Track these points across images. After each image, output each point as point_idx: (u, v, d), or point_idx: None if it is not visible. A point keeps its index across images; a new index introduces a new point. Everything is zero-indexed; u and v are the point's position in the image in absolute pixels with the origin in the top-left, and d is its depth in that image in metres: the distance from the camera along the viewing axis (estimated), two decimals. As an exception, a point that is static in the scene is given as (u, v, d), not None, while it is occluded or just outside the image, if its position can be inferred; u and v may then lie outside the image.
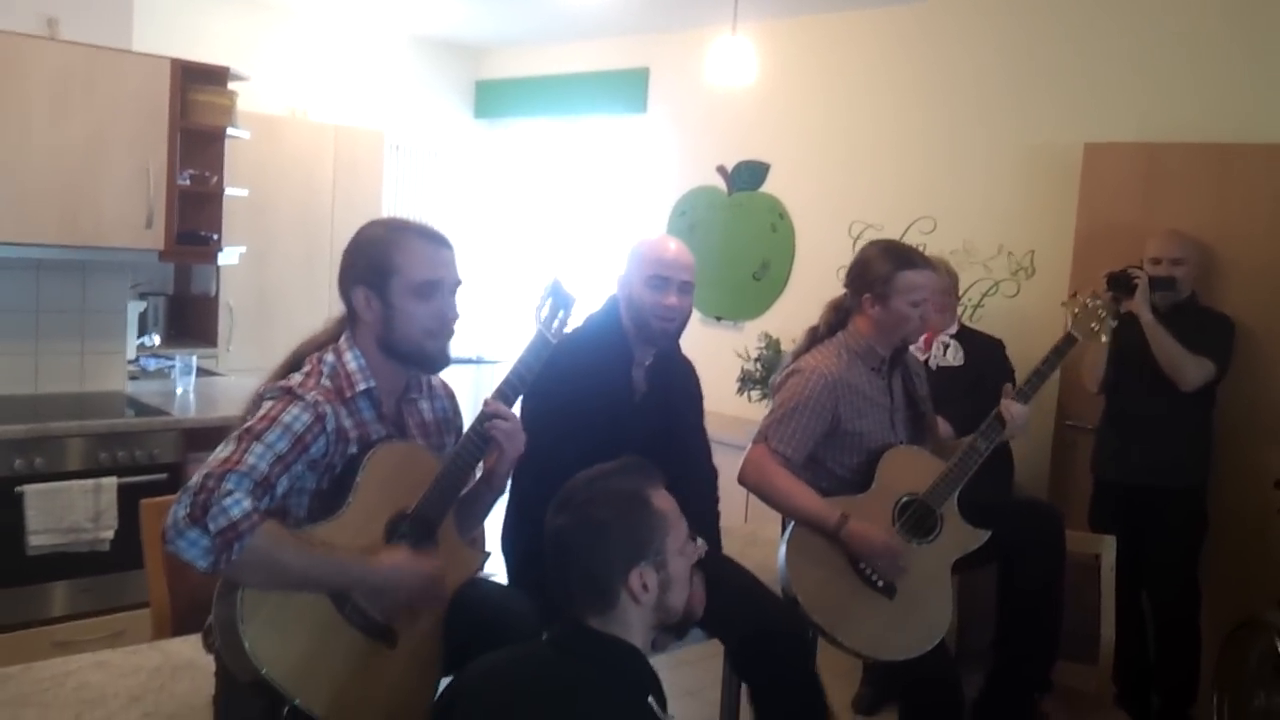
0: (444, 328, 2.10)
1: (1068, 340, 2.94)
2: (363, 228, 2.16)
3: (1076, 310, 2.96)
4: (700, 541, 1.84)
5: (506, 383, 2.17)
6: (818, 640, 2.90)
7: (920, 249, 3.22)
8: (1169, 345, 3.71)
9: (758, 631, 2.59)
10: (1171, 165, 4.10)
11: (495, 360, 6.96)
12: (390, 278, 2.06)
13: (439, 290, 2.08)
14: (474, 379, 6.78)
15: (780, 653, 2.60)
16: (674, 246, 2.76)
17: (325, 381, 2.03)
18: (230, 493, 1.81)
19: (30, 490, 3.68)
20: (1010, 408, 2.86)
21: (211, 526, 1.78)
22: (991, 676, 3.00)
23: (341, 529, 1.98)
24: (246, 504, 1.81)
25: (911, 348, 3.15)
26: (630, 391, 2.76)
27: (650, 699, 1.71)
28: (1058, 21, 4.71)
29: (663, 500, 1.77)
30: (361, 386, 2.07)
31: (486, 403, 2.14)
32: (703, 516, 2.82)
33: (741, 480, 2.89)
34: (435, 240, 2.11)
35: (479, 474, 2.23)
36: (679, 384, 2.90)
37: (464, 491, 2.17)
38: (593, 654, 1.70)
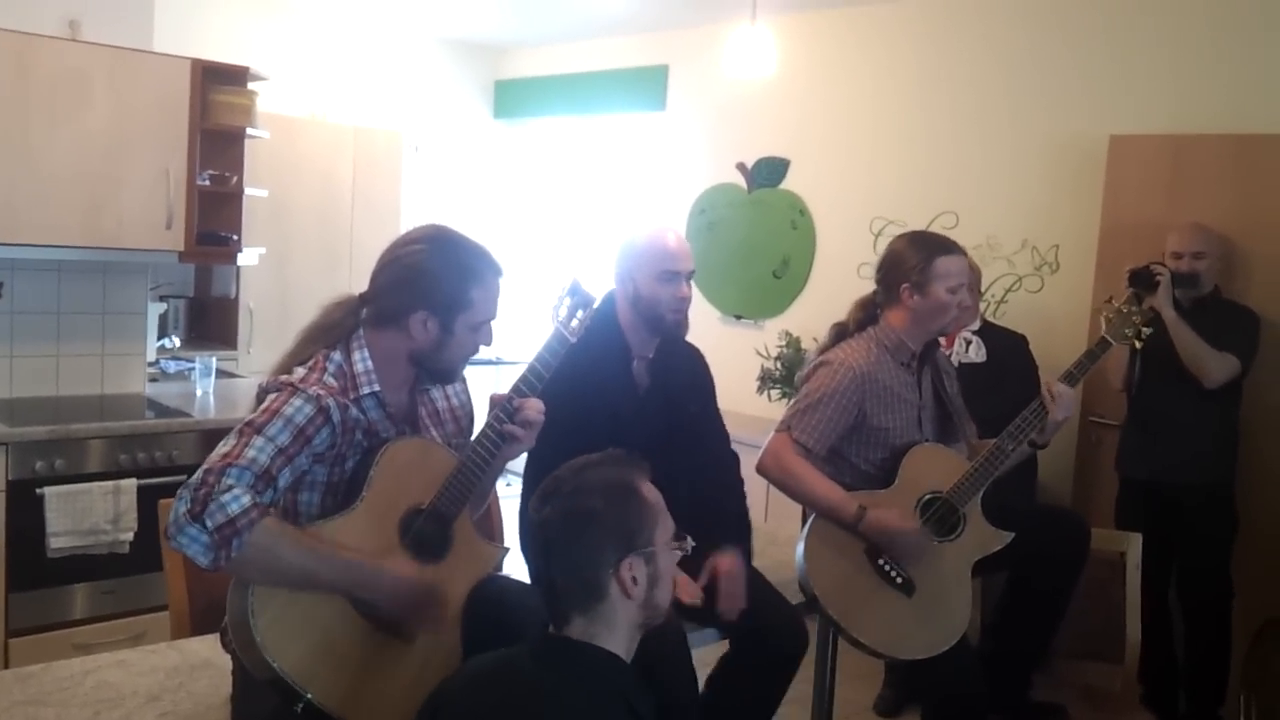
0: (477, 352, 2.15)
1: (1102, 344, 2.92)
2: (431, 248, 2.11)
3: (1111, 315, 2.94)
4: (689, 539, 1.79)
5: (523, 379, 2.17)
6: (837, 638, 2.88)
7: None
8: (1191, 341, 3.67)
9: (756, 628, 2.58)
10: (1197, 157, 4.05)
11: (514, 361, 6.94)
12: (462, 310, 2.09)
13: (490, 323, 2.15)
14: (494, 381, 6.77)
15: (770, 656, 2.60)
16: (673, 238, 2.77)
17: (329, 379, 2.03)
18: (230, 488, 1.81)
19: (50, 492, 3.69)
20: (1057, 387, 2.83)
21: (209, 523, 1.78)
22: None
23: (354, 524, 1.98)
24: (245, 500, 1.81)
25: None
26: (632, 387, 2.74)
27: (629, 705, 1.66)
28: (1083, 12, 4.65)
29: (650, 491, 1.72)
30: (366, 390, 2.07)
31: (493, 400, 2.15)
32: (726, 503, 2.79)
33: (760, 469, 2.87)
34: (501, 274, 2.15)
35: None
36: (684, 374, 2.87)
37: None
38: (569, 663, 1.66)
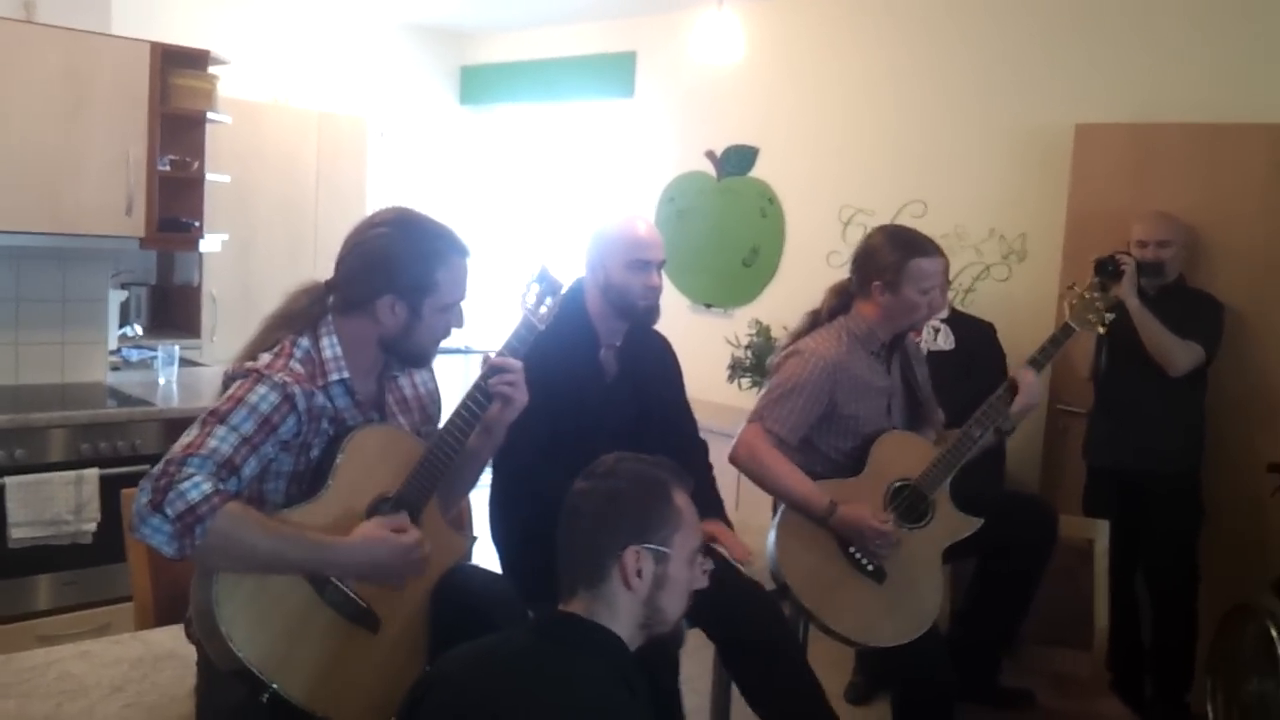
0: (449, 335, 2.13)
1: (1065, 330, 2.94)
2: (394, 231, 2.08)
3: (1074, 301, 2.96)
4: (710, 563, 1.80)
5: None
6: (808, 627, 2.88)
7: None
8: (1156, 330, 3.69)
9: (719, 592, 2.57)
10: (1162, 146, 4.07)
11: (482, 350, 6.90)
12: (429, 294, 2.05)
13: (460, 304, 2.12)
14: (463, 369, 6.74)
15: (744, 609, 2.59)
16: (644, 226, 2.78)
17: (295, 365, 1.99)
18: (190, 476, 1.78)
19: (11, 482, 3.64)
20: (1024, 375, 2.86)
21: (170, 512, 1.75)
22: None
23: (320, 512, 1.96)
24: (206, 487, 1.78)
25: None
26: (600, 375, 2.75)
27: (628, 684, 1.68)
28: (1050, 0, 4.67)
29: (684, 500, 1.76)
30: (335, 377, 2.04)
31: (485, 360, 2.14)
32: (700, 487, 2.80)
33: (733, 459, 2.87)
34: (467, 255, 2.12)
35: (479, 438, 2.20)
36: (652, 363, 2.88)
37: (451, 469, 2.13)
38: (573, 640, 1.68)
